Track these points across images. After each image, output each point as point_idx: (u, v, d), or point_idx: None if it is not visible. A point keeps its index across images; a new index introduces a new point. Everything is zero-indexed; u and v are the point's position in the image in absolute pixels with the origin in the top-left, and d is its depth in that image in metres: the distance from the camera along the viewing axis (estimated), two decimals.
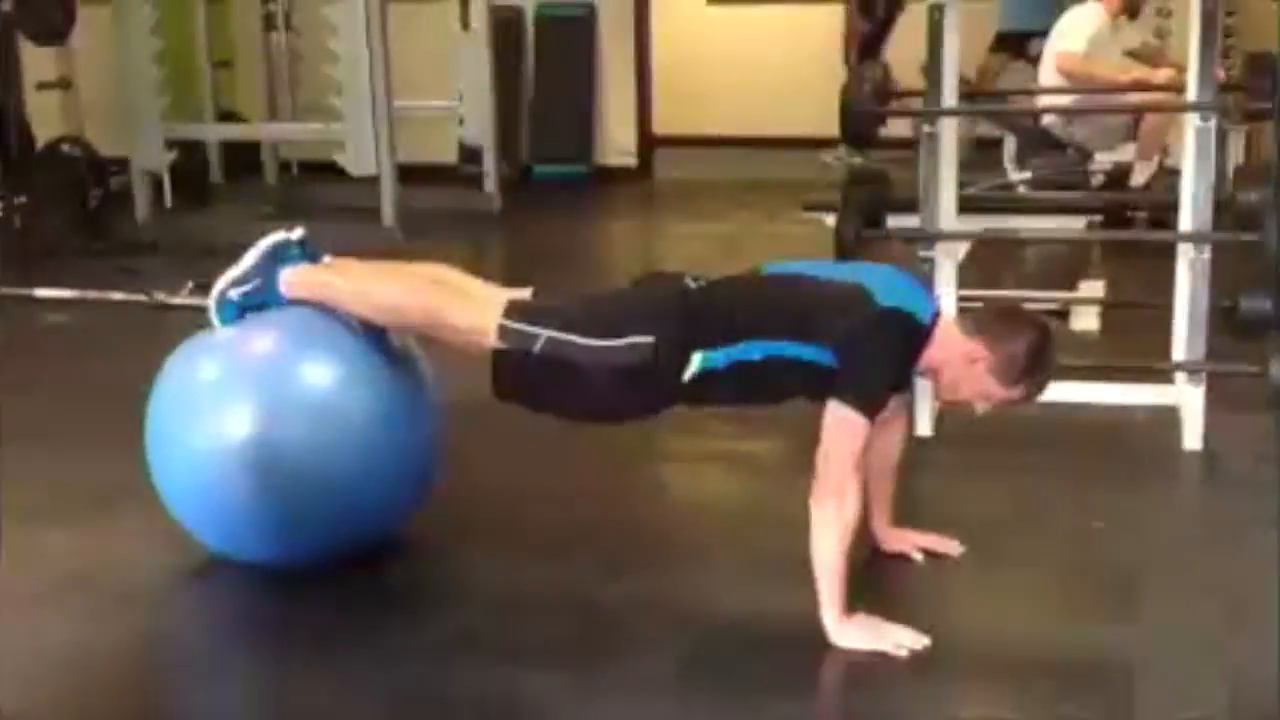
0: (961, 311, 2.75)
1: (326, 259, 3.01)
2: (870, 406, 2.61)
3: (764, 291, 2.86)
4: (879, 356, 2.65)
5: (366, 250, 3.27)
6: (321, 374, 2.87)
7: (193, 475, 2.83)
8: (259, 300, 2.91)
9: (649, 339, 2.70)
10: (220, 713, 2.55)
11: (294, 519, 2.80)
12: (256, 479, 2.75)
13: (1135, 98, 5.98)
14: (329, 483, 2.78)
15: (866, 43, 8.48)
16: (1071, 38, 6.31)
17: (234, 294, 2.90)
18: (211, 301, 2.91)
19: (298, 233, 2.96)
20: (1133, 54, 6.46)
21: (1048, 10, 6.88)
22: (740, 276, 2.94)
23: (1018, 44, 7.59)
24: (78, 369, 4.65)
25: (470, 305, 2.84)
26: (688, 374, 2.70)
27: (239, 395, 2.82)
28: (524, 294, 2.87)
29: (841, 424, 2.59)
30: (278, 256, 2.92)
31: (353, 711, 2.44)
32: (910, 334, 2.69)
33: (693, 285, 2.84)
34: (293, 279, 2.92)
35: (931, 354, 2.72)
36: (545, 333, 2.72)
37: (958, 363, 2.70)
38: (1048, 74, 6.42)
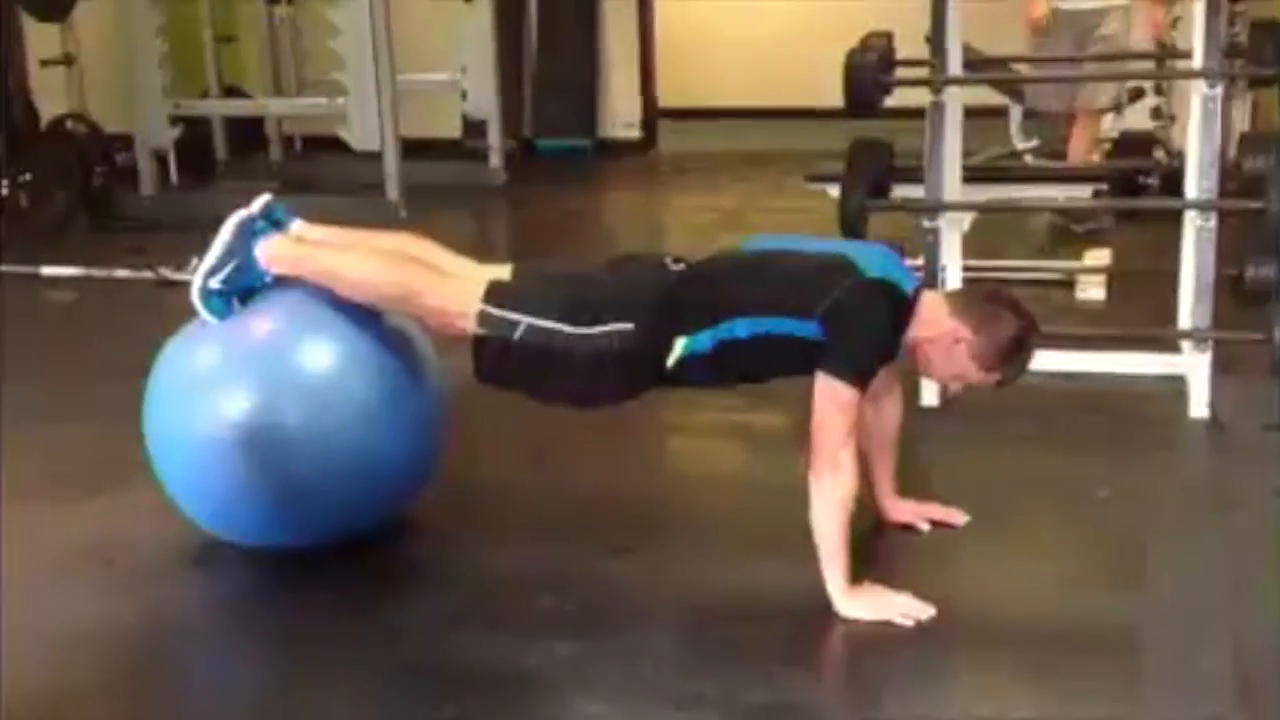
0: (949, 291, 2.72)
1: (296, 223, 2.91)
2: (861, 378, 2.60)
3: (746, 267, 2.81)
4: (869, 327, 2.63)
5: (370, 226, 3.24)
6: (321, 356, 2.80)
7: (192, 461, 2.79)
8: (243, 282, 2.82)
9: (628, 326, 2.66)
10: (224, 686, 2.56)
11: (296, 503, 2.77)
12: (255, 463, 2.71)
13: (1137, 66, 5.94)
14: (329, 466, 2.75)
15: None
16: None
17: (215, 283, 2.80)
18: (195, 298, 2.80)
19: (259, 203, 2.87)
20: None
21: None
22: (720, 255, 2.91)
23: None
24: (83, 347, 4.65)
25: (448, 286, 2.78)
26: (671, 359, 2.68)
27: (237, 379, 2.76)
28: (503, 272, 2.81)
29: (832, 397, 2.57)
30: (246, 233, 2.83)
31: (359, 685, 2.45)
32: (896, 304, 2.67)
33: (673, 268, 2.79)
34: (271, 253, 2.83)
35: (916, 329, 2.71)
36: (525, 320, 2.68)
37: (940, 341, 2.69)
38: None
